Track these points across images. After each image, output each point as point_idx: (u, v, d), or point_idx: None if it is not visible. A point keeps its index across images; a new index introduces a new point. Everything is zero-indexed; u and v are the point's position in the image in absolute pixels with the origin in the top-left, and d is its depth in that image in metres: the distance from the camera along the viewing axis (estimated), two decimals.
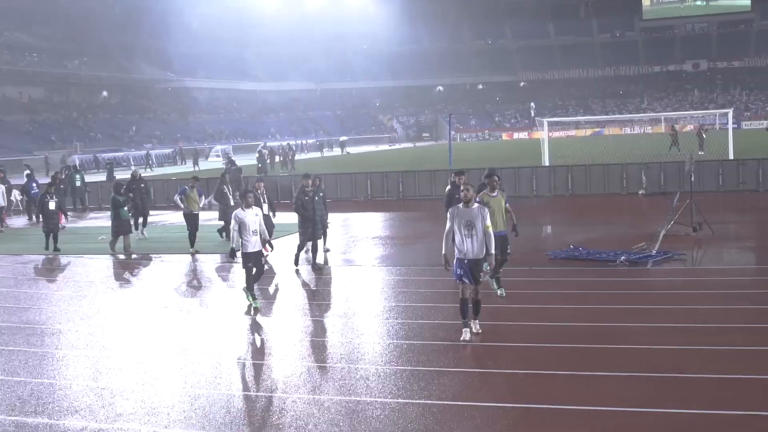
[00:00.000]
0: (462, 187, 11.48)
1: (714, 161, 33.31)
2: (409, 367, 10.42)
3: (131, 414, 9.09)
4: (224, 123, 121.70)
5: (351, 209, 31.36)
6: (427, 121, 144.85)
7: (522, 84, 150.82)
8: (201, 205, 22.32)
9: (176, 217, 31.69)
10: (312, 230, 18.21)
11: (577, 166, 34.41)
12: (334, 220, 23.70)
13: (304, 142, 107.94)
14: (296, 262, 18.42)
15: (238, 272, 18.93)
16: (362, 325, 13.02)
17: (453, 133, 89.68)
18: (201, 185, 23.75)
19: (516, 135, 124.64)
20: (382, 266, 18.62)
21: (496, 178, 14.07)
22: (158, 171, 67.69)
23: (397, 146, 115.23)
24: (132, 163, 79.19)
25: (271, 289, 16.42)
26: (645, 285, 15.22)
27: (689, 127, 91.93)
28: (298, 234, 18.63)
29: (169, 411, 9.13)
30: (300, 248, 18.49)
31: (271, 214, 20.44)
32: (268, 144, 78.70)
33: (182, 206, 21.88)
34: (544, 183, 33.25)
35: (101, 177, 50.82)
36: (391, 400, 9.19)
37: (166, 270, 19.88)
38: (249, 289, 14.44)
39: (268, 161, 62.95)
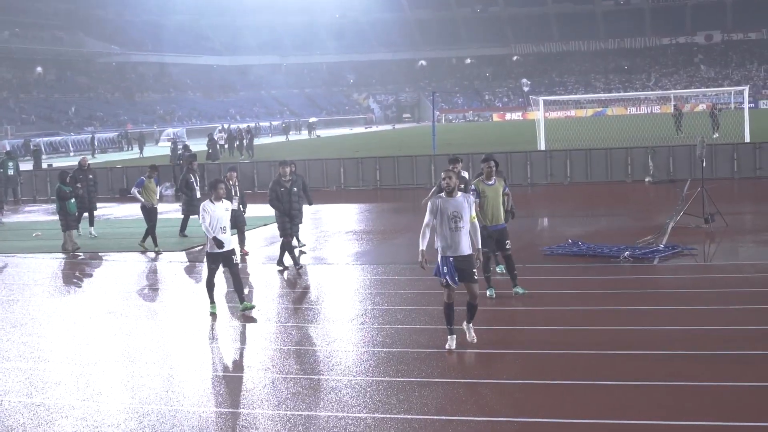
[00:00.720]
0: (443, 175, 11.31)
1: (728, 145, 33.59)
2: (387, 378, 10.46)
3: None
4: (176, 103, 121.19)
5: (322, 200, 31.33)
6: (407, 101, 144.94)
7: (515, 58, 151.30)
8: (158, 196, 22.13)
9: (123, 210, 31.57)
10: (290, 225, 17.96)
11: (576, 151, 34.59)
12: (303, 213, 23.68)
13: (268, 124, 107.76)
14: (281, 263, 18.08)
15: (199, 274, 18.89)
16: (334, 330, 13.04)
17: (437, 113, 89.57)
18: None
19: (508, 116, 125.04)
20: (357, 264, 18.65)
21: (493, 164, 14.17)
22: (101, 158, 67.32)
23: (374, 129, 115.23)
24: (71, 148, 78.75)
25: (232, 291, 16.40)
26: (651, 283, 15.35)
27: (701, 107, 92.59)
28: (279, 232, 18.12)
29: (114, 430, 9.11)
30: (285, 247, 17.95)
31: (241, 208, 19.95)
32: (227, 126, 78.45)
33: (142, 200, 21.42)
34: (539, 169, 33.42)
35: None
36: (366, 415, 9.23)
37: (115, 271, 19.81)
38: (209, 292, 14.22)
39: (226, 146, 62.79)
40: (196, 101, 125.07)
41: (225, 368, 11.33)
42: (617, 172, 32.61)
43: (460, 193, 11.37)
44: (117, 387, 10.67)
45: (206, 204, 14.11)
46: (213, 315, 14.12)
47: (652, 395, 9.39)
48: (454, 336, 11.46)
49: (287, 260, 18.12)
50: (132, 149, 77.04)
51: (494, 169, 14.17)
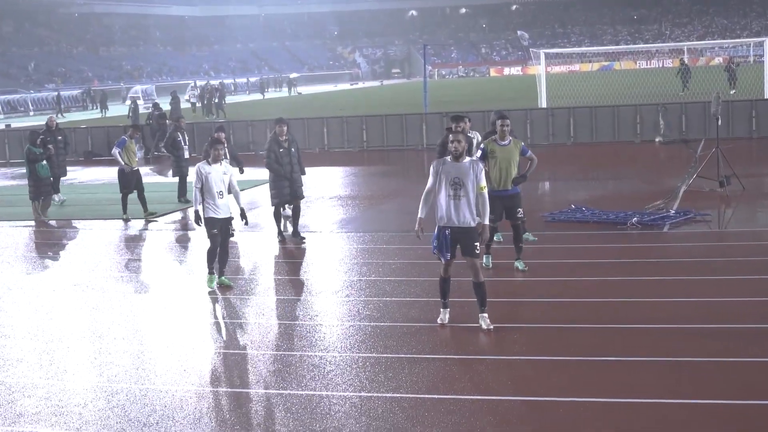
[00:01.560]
0: (451, 137, 11.05)
1: (745, 101, 33.66)
2: (374, 354, 10.53)
3: (35, 414, 9.11)
4: (144, 58, 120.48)
5: (304, 162, 31.28)
6: (397, 54, 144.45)
7: (514, 7, 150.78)
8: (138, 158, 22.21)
9: (88, 174, 31.51)
10: (290, 189, 17.40)
11: (580, 108, 34.58)
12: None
13: (244, 80, 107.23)
14: (280, 233, 17.86)
15: (183, 241, 18.92)
16: (317, 304, 13.09)
17: (429, 68, 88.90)
18: (120, 135, 23.56)
19: (507, 70, 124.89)
20: (342, 232, 18.69)
21: (508, 122, 14.02)
22: (63, 117, 66.97)
23: (360, 85, 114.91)
24: (31, 107, 78.35)
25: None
26: (661, 252, 15.43)
27: (717, 60, 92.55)
28: (270, 197, 17.83)
29: (80, 410, 9.16)
30: (277, 215, 17.83)
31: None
32: (202, 84, 78.09)
33: (122, 162, 21.25)
34: (540, 129, 33.42)
35: None
36: (352, 394, 9.29)
37: (81, 240, 19.82)
38: (209, 261, 14.02)
39: (198, 104, 62.61)
40: (166, 56, 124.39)
41: (199, 345, 11.38)
42: (625, 132, 32.63)
43: (467, 159, 11.12)
44: (83, 364, 10.72)
45: (201, 166, 13.85)
46: (227, 287, 13.97)
47: (660, 372, 9.47)
48: (447, 309, 11.49)
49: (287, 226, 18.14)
50: (97, 108, 76.66)
51: (508, 127, 13.97)
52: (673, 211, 17.94)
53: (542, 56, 45.82)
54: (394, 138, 34.94)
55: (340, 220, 20.04)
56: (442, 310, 11.53)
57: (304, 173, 17.90)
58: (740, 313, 11.43)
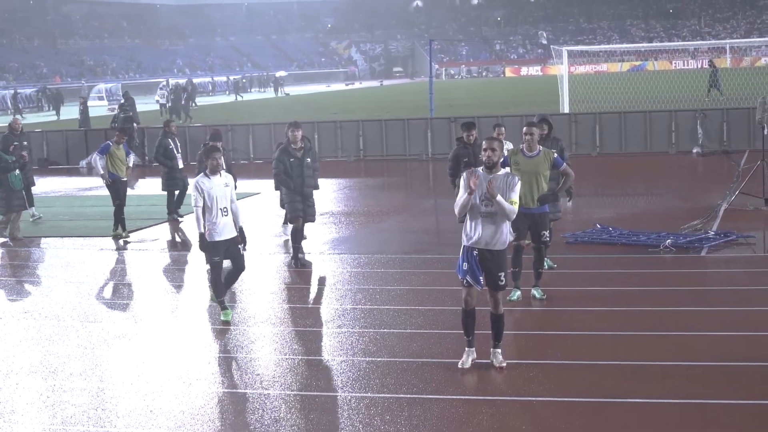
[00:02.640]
0: (485, 145, 10.84)
1: None
2: (370, 394, 10.51)
3: None
4: (109, 52, 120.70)
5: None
6: (399, 51, 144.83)
7: None
8: (129, 167, 21.60)
9: (45, 185, 31.49)
10: (303, 206, 17.01)
11: (608, 114, 34.64)
12: (268, 189, 23.72)
13: (224, 78, 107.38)
14: (296, 258, 17.30)
15: (161, 263, 18.90)
16: (306, 336, 13.07)
17: (436, 67, 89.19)
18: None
19: (525, 70, 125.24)
20: (335, 254, 18.69)
21: (536, 131, 13.85)
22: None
23: (357, 85, 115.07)
24: None
25: (182, 290, 16.42)
26: (699, 279, 15.44)
27: (764, 60, 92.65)
28: (285, 213, 17.58)
29: None
30: (294, 237, 17.35)
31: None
32: (173, 82, 78.22)
33: (102, 172, 20.95)
34: (561, 136, 33.15)
35: None
36: None
37: (38, 260, 19.80)
38: (217, 294, 13.80)
39: (168, 105, 62.70)
40: (134, 50, 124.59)
41: (166, 381, 11.35)
42: (658, 141, 32.68)
43: (503, 171, 11.06)
44: (34, 404, 10.68)
45: (200, 180, 13.53)
46: (226, 323, 13.70)
47: (695, 418, 9.45)
48: (472, 350, 11.16)
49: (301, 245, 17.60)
50: (52, 109, 76.68)
51: (536, 136, 13.79)
52: (713, 233, 17.94)
53: (564, 54, 45.85)
54: (395, 146, 34.97)
55: (332, 240, 20.04)
56: (467, 350, 11.21)
57: (317, 188, 17.47)
58: None
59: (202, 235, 13.52)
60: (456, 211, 10.87)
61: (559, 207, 15.96)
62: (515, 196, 10.82)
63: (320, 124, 36.94)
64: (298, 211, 16.99)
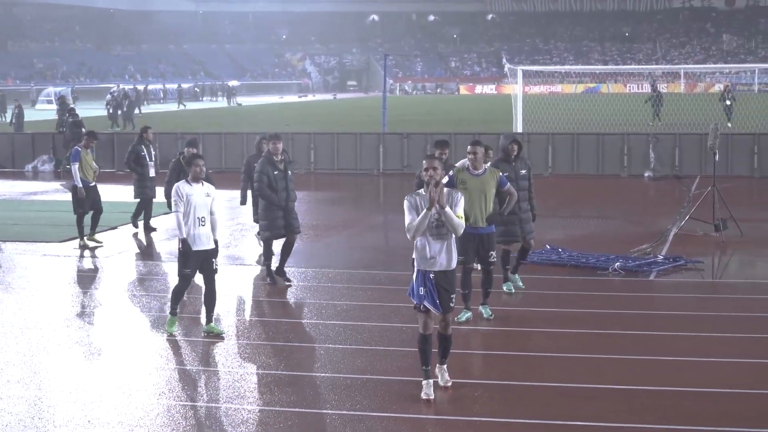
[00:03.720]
0: (426, 165, 10.60)
1: (747, 135, 34.01)
2: (313, 410, 10.47)
3: None
4: (60, 55, 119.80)
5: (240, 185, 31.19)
6: (354, 64, 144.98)
7: (490, 16, 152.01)
8: (96, 170, 21.24)
9: None
10: (285, 221, 16.53)
11: (561, 135, 34.83)
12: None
13: (175, 86, 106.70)
14: (271, 274, 16.86)
15: (113, 268, 18.72)
16: (248, 350, 12.99)
17: (390, 82, 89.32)
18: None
19: (479, 88, 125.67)
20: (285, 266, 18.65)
21: (481, 149, 13.76)
22: None
23: (310, 97, 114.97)
24: None
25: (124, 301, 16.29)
26: (646, 303, 15.52)
27: (717, 87, 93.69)
28: (259, 228, 17.09)
29: None
30: (267, 253, 16.87)
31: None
32: (120, 88, 77.60)
33: (80, 185, 20.43)
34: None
35: None
36: None
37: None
38: (174, 301, 13.50)
39: (110, 110, 62.22)
40: (86, 54, 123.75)
41: (105, 391, 11.23)
42: (610, 164, 32.87)
43: (445, 189, 10.75)
44: None
45: (181, 186, 13.25)
46: (170, 334, 13.45)
47: None
48: (431, 381, 10.82)
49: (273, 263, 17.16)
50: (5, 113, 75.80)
51: (481, 155, 13.70)
52: (662, 257, 18.07)
53: (519, 74, 46.11)
54: (347, 160, 34.95)
55: (278, 254, 19.94)
56: (424, 382, 10.78)
57: (295, 199, 16.98)
58: (735, 376, 11.49)
59: (184, 241, 13.23)
60: (411, 233, 10.49)
61: (532, 227, 15.87)
62: (460, 211, 10.69)
63: None
64: (279, 228, 16.51)
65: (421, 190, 10.70)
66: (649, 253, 18.49)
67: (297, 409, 10.47)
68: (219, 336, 13.44)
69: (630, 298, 15.75)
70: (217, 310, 13.81)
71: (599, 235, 21.87)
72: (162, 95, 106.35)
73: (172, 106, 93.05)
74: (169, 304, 13.80)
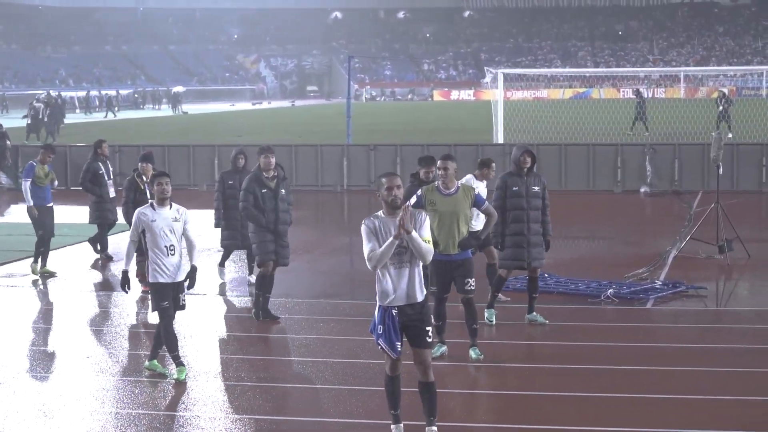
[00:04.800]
0: (387, 183, 10.29)
1: (754, 145, 34.21)
2: None
3: None
4: None
5: (187, 202, 31.00)
6: (314, 67, 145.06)
7: (467, 13, 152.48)
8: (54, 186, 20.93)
9: None
10: (275, 246, 16.18)
11: (546, 146, 34.88)
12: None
13: (114, 93, 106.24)
14: (260, 311, 16.32)
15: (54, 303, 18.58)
16: (195, 389, 12.92)
17: (355, 87, 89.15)
18: None
19: (455, 94, 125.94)
20: (233, 296, 18.58)
21: (451, 164, 13.47)
22: None
23: (265, 105, 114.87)
24: None
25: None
26: (642, 334, 15.55)
27: (723, 90, 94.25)
28: (252, 252, 16.80)
29: None
30: (263, 283, 16.30)
31: None
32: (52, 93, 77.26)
33: (31, 203, 20.15)
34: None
35: None
36: None
37: None
38: (170, 347, 13.18)
39: (28, 121, 61.75)
40: (11, 56, 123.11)
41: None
42: (602, 178, 32.94)
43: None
44: None
45: (142, 212, 13.01)
46: (180, 381, 13.10)
47: None
48: (401, 426, 10.67)
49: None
50: None
51: (453, 171, 13.43)
52: (660, 282, 18.12)
53: (500, 77, 45.92)
54: (306, 175, 34.87)
55: (231, 280, 19.88)
56: (393, 427, 10.67)
57: (289, 223, 16.72)
58: (742, 413, 11.55)
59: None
60: (373, 263, 10.18)
61: (542, 253, 15.67)
62: (427, 234, 10.35)
63: (222, 148, 36.66)
64: (270, 253, 16.09)
65: (380, 212, 10.39)
66: (646, 278, 18.53)
67: None
68: (162, 375, 13.34)
69: (625, 328, 15.77)
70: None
71: (590, 259, 21.91)
72: (97, 103, 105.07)
73: (100, 115, 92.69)
74: (152, 348, 13.55)
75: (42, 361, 14.37)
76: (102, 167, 22.03)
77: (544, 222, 15.64)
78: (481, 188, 16.08)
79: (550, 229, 15.79)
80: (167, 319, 13.07)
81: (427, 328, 10.45)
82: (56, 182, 21.10)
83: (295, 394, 12.62)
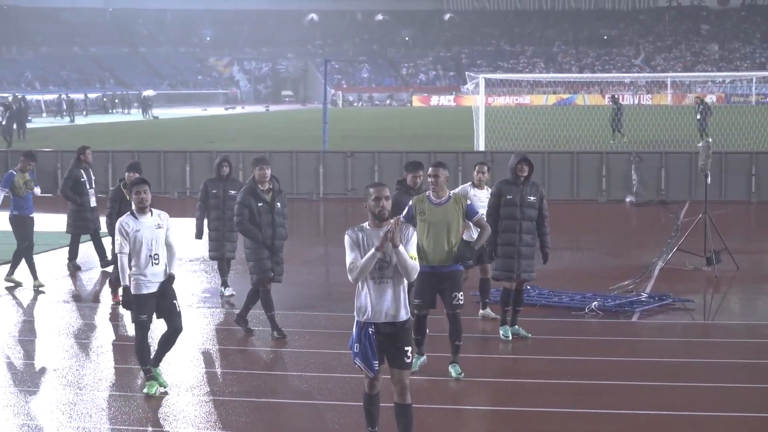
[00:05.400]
0: (375, 194, 10.19)
1: (743, 154, 34.29)
2: None
3: None
4: None
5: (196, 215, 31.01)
6: (289, 71, 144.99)
7: (448, 16, 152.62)
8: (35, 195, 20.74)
9: None
10: (273, 263, 15.96)
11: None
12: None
13: (81, 96, 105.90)
14: (244, 320, 16.34)
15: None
16: (167, 405, 12.90)
17: (332, 91, 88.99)
18: None
19: (435, 99, 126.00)
20: (205, 307, 18.54)
21: (442, 172, 13.39)
22: None
23: (238, 110, 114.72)
24: None
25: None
26: (628, 348, 15.58)
27: (710, 97, 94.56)
28: (249, 269, 16.44)
29: None
30: (252, 297, 16.30)
31: None
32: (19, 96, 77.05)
33: (13, 209, 20.04)
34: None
35: None
36: None
37: None
38: (141, 360, 13.18)
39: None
40: None
41: None
42: (586, 187, 32.97)
43: (391, 222, 10.18)
44: None
45: (126, 222, 12.99)
46: (149, 396, 13.03)
47: None
48: None
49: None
50: None
51: (444, 179, 13.35)
52: (646, 295, 18.16)
53: (482, 82, 45.73)
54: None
55: (203, 291, 19.86)
56: None
57: (285, 237, 16.55)
58: (726, 431, 11.61)
59: (126, 289, 13.04)
60: (354, 275, 10.13)
61: (531, 265, 15.66)
62: (413, 250, 10.25)
63: (194, 154, 36.65)
64: (268, 270, 15.86)
65: (366, 224, 10.33)
66: (632, 290, 18.56)
67: None
68: (163, 387, 13.27)
69: (610, 342, 15.82)
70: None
71: (574, 270, 21.95)
72: (65, 107, 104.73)
73: (65, 120, 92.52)
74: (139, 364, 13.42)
75: (9, 373, 14.35)
76: (84, 175, 21.83)
77: (542, 234, 15.60)
78: (481, 196, 16.07)
79: (549, 241, 15.76)
80: (144, 331, 13.07)
81: (406, 348, 10.35)
82: (38, 190, 20.90)
83: (269, 409, 12.61)
